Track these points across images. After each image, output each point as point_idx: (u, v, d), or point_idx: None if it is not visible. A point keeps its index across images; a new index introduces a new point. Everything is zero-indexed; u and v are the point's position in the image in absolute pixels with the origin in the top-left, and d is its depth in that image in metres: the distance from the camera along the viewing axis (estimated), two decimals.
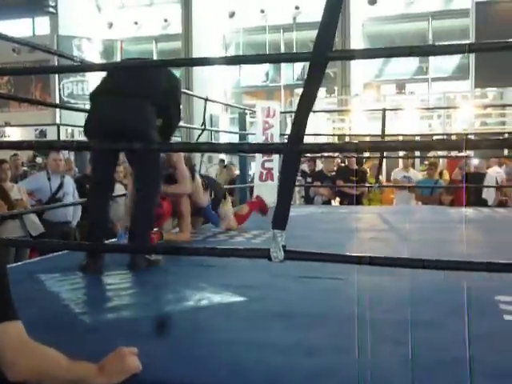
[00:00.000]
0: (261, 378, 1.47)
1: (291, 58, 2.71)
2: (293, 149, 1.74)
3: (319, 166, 8.53)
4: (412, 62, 16.22)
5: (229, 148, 2.49)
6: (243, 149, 2.46)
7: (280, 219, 1.80)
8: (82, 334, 1.87)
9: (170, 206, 3.64)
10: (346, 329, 1.87)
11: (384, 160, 7.66)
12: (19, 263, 3.47)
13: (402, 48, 1.54)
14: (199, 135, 6.16)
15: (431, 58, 15.66)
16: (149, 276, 2.79)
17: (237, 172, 8.99)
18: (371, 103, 13.12)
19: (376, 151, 5.06)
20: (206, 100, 5.65)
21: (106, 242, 3.21)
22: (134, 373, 1.42)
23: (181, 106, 3.20)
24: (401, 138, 9.86)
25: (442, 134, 10.18)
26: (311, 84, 1.65)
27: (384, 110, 6.54)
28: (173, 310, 2.16)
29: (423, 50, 1.65)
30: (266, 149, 2.62)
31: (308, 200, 7.69)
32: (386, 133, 6.56)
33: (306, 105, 1.70)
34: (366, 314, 1.83)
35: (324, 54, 1.54)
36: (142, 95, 2.89)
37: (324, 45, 1.53)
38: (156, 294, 2.47)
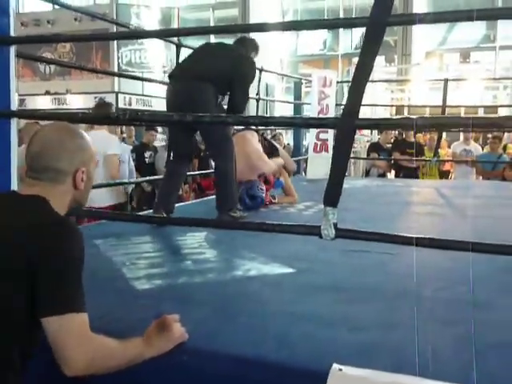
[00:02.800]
0: (306, 352, 1.45)
1: (348, 23, 2.59)
2: (347, 124, 1.66)
3: (375, 137, 8.32)
4: (478, 30, 15.40)
5: (281, 122, 2.42)
6: (296, 123, 2.39)
7: (332, 196, 1.74)
8: (132, 300, 1.90)
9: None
10: (394, 305, 1.83)
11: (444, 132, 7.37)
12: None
13: (468, 11, 1.43)
14: (257, 106, 6.11)
15: (499, 25, 14.79)
16: (201, 244, 2.82)
17: (285, 142, 8.87)
18: (433, 73, 12.61)
19: (435, 128, 4.83)
20: (261, 71, 5.57)
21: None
22: (180, 341, 1.44)
23: (248, 87, 3.37)
24: (463, 109, 9.50)
25: (508, 106, 9.69)
26: (368, 52, 1.55)
27: (446, 80, 6.25)
28: (221, 279, 2.17)
29: (490, 14, 1.53)
30: (319, 124, 2.53)
31: None
32: (448, 104, 6.29)
33: (362, 76, 1.61)
34: (416, 291, 1.78)
35: (383, 19, 1.45)
36: (201, 78, 3.16)
37: (383, 8, 1.44)
38: (206, 263, 2.49)
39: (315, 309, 1.80)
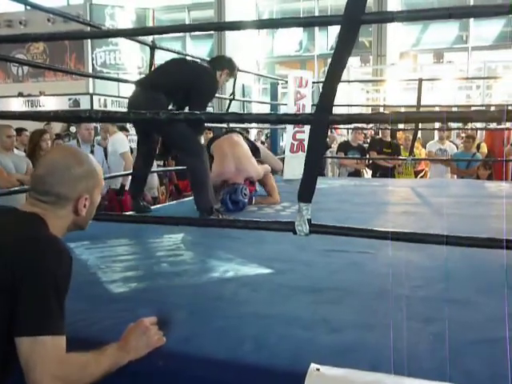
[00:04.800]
0: (284, 354, 1.44)
1: (323, 21, 2.61)
2: (321, 119, 1.66)
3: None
4: (451, 30, 15.63)
5: (255, 118, 2.41)
6: (270, 119, 2.38)
7: (306, 192, 1.74)
8: (106, 304, 1.87)
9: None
10: (373, 305, 1.83)
11: (419, 132, 7.43)
12: None
13: (443, 9, 1.44)
14: (228, 105, 6.11)
15: (471, 26, 15.04)
16: (178, 246, 2.79)
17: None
18: (407, 73, 12.75)
19: (410, 122, 4.87)
20: (238, 71, 5.56)
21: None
22: (158, 346, 1.42)
23: (204, 102, 3.43)
24: (437, 109, 9.62)
25: (481, 106, 9.84)
26: (342, 50, 1.56)
27: (420, 80, 6.31)
28: (198, 281, 2.15)
29: (464, 12, 1.54)
30: (294, 119, 2.53)
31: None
32: (422, 104, 6.35)
33: (335, 72, 1.61)
34: (395, 290, 1.78)
35: (357, 17, 1.44)
36: (154, 87, 3.31)
37: (356, 6, 1.44)
38: (183, 265, 2.46)
39: (293, 310, 1.79)
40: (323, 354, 1.40)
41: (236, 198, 3.78)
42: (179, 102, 3.39)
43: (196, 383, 1.41)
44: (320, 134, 1.70)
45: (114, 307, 1.81)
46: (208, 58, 4.00)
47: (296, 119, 2.43)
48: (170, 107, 3.39)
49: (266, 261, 2.38)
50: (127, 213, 3.64)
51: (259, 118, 2.49)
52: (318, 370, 1.20)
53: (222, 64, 3.59)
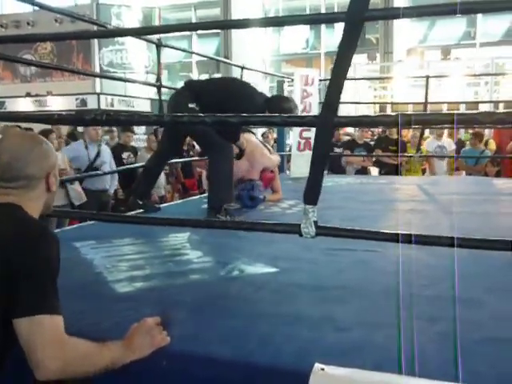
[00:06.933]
0: (289, 353, 1.43)
1: (327, 18, 2.59)
2: (327, 122, 1.65)
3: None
4: (458, 27, 15.53)
5: (260, 121, 2.38)
6: (275, 122, 2.36)
7: (312, 194, 1.73)
8: (111, 303, 1.87)
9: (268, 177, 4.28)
10: (379, 304, 1.81)
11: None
12: (58, 230, 3.54)
13: (451, 5, 1.42)
14: None
15: (479, 22, 14.94)
16: (184, 245, 2.79)
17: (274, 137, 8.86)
18: (414, 70, 12.67)
19: (417, 125, 4.84)
20: (243, 68, 5.56)
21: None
22: (162, 345, 1.41)
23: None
24: (445, 106, 9.56)
25: (489, 102, 9.77)
26: (346, 48, 1.54)
27: (428, 77, 6.28)
28: (204, 280, 2.15)
29: (470, 8, 1.51)
30: (299, 122, 2.51)
31: (334, 170, 7.39)
32: (430, 101, 6.32)
33: (340, 72, 1.59)
34: (401, 288, 1.76)
35: (360, 14, 1.43)
36: (187, 84, 3.65)
37: (360, 3, 1.42)
38: (188, 264, 2.46)
39: (299, 308, 1.78)
40: (329, 353, 1.39)
41: (254, 194, 3.82)
42: (206, 104, 3.28)
43: (200, 383, 1.40)
44: (325, 136, 1.69)
45: (119, 306, 1.81)
46: (217, 57, 4.12)
47: (301, 121, 2.41)
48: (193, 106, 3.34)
49: (272, 259, 2.38)
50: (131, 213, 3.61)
51: (265, 121, 2.46)
52: (322, 369, 1.19)
53: (275, 108, 3.34)
